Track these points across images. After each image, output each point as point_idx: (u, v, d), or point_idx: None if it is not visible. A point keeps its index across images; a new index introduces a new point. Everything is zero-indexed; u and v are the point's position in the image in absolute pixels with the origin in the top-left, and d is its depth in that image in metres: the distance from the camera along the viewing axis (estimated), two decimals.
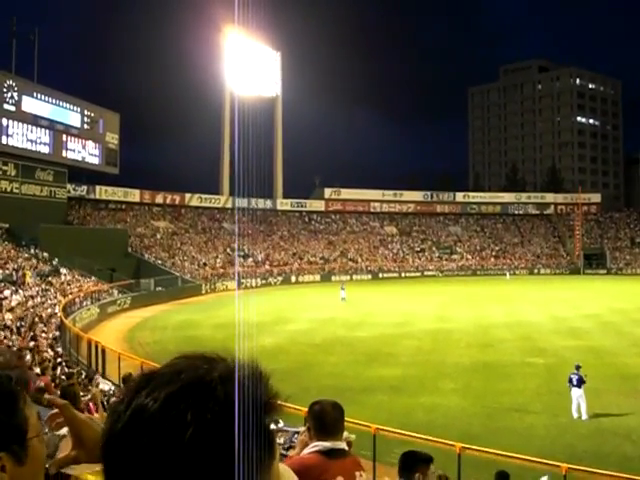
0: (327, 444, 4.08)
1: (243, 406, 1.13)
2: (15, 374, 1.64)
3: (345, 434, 4.63)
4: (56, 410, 1.85)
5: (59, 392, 10.79)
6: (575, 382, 20.77)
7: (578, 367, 21.28)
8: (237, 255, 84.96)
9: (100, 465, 1.22)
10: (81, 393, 14.05)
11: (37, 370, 18.12)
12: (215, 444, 1.09)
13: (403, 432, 15.49)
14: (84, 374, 22.83)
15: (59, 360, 23.25)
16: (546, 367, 28.38)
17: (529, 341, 35.28)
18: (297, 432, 5.72)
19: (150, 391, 1.16)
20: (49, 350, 26.44)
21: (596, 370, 24.23)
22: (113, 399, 16.01)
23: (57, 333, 34.16)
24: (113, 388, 19.51)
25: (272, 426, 1.29)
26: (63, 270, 54.89)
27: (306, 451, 4.11)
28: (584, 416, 20.43)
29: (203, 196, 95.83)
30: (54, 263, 55.87)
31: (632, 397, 22.96)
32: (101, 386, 19.43)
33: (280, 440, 9.44)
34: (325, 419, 4.24)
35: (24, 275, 47.97)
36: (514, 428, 19.67)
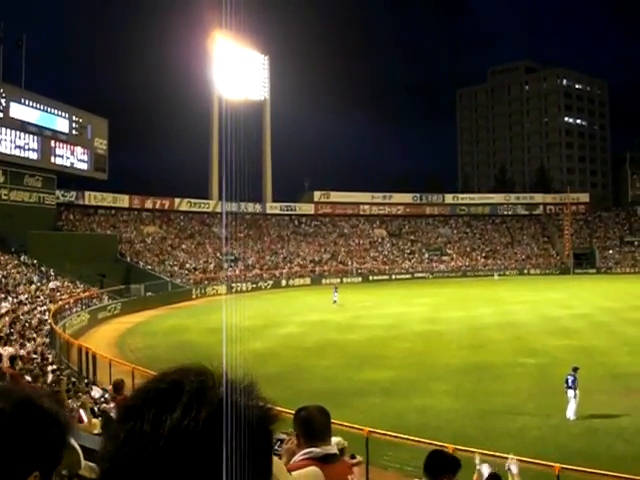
0: (319, 450, 4.05)
1: (256, 418, 1.23)
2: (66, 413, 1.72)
3: (338, 439, 4.62)
4: None
5: None
6: (570, 383, 20.80)
7: (575, 369, 21.27)
8: (225, 259, 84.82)
9: None
10: (69, 400, 14.00)
11: (28, 378, 18.04)
12: (245, 456, 1.15)
13: (396, 435, 15.47)
14: (75, 381, 22.74)
15: (50, 368, 23.12)
16: (538, 367, 28.42)
17: (520, 341, 35.33)
18: (280, 440, 5.65)
19: (185, 411, 1.16)
20: (39, 357, 26.32)
21: (588, 370, 24.23)
22: (106, 407, 15.95)
23: (47, 340, 33.99)
24: (106, 395, 19.40)
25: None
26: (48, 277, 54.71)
27: (298, 458, 4.06)
28: (572, 416, 20.46)
29: (193, 201, 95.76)
30: (43, 269, 55.69)
31: (623, 396, 23.01)
32: (92, 393, 19.33)
33: None
34: (313, 425, 4.21)
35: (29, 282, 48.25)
36: (507, 429, 19.67)
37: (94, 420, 13.05)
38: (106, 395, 19.37)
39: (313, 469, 3.85)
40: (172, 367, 1.27)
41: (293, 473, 3.60)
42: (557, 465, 12.90)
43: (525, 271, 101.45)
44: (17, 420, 1.52)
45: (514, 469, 9.39)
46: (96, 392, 19.84)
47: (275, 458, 1.43)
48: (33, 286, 49.58)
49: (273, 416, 1.30)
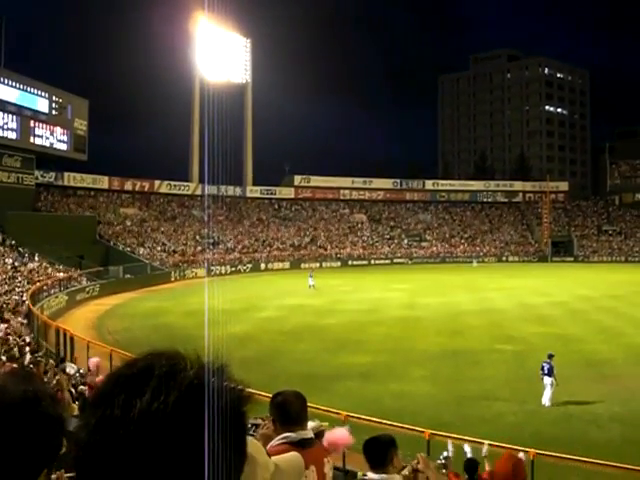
0: (295, 435, 4.06)
1: (229, 399, 1.22)
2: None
3: (315, 423, 4.62)
4: None
5: None
6: (546, 371, 20.99)
7: (550, 356, 21.48)
8: (205, 242, 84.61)
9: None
10: (45, 379, 13.94)
11: (4, 358, 17.96)
12: (219, 438, 1.16)
13: (373, 419, 15.53)
14: (52, 362, 22.63)
15: (27, 349, 23.01)
16: (514, 354, 28.62)
17: (498, 328, 35.52)
18: (255, 425, 5.67)
19: (155, 395, 1.17)
20: (17, 338, 26.16)
21: (563, 357, 24.45)
22: (83, 388, 15.91)
23: (25, 321, 33.80)
24: (81, 371, 19.38)
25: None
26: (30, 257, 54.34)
27: (274, 443, 4.07)
28: (547, 403, 20.66)
29: (172, 183, 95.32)
30: (21, 250, 55.32)
31: (598, 383, 23.24)
32: (67, 369, 19.25)
33: None
34: (289, 410, 4.22)
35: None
36: (483, 415, 19.81)
37: (73, 404, 13.02)
38: (81, 370, 19.37)
39: (295, 454, 3.85)
40: (144, 352, 1.28)
41: (273, 458, 3.60)
42: (532, 451, 13.03)
43: (503, 258, 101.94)
44: (18, 426, 1.52)
45: (484, 451, 9.56)
46: (71, 369, 19.77)
47: (254, 440, 1.44)
48: (10, 267, 49.27)
49: (246, 397, 1.31)
